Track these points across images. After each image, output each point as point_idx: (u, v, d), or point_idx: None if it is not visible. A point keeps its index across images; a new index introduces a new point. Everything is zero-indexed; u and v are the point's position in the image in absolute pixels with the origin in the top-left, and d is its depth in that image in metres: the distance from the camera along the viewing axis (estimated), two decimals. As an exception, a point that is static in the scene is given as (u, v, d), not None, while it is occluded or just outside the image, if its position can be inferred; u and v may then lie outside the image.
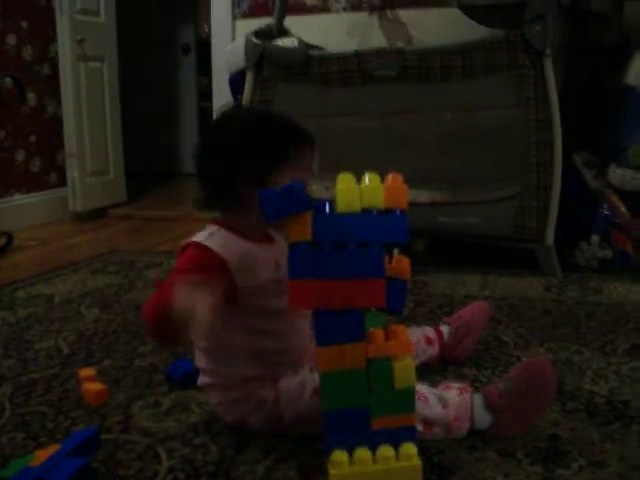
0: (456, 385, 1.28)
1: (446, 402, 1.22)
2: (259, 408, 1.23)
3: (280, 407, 1.22)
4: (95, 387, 1.42)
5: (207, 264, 1.15)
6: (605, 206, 2.46)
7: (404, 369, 1.06)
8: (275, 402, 1.22)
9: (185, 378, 1.46)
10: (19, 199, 3.57)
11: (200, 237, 1.19)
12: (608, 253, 2.44)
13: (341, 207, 1.04)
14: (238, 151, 1.19)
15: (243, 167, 1.18)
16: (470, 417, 1.22)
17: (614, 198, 2.46)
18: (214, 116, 3.29)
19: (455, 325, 1.58)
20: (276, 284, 1.20)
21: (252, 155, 1.18)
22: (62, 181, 3.85)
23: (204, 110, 5.83)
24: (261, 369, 1.24)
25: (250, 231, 1.23)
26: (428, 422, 1.20)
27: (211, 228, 1.22)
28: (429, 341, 1.53)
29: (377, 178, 1.07)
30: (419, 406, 1.16)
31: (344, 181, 1.05)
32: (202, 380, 1.29)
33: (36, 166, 3.70)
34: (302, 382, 1.21)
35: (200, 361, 1.29)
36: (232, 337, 1.22)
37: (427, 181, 2.52)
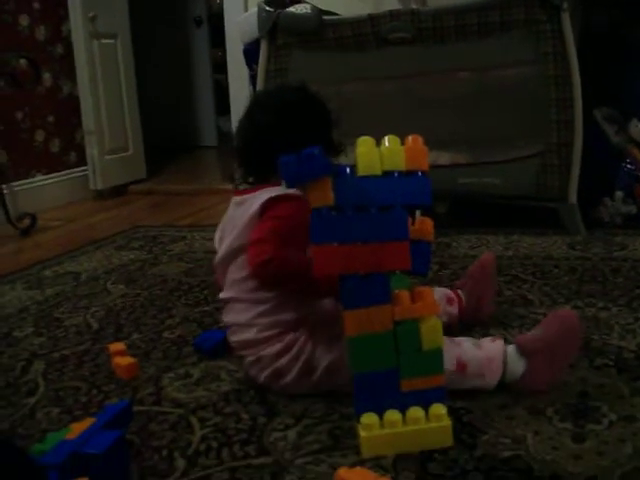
0: (488, 337, 1.29)
1: (479, 345, 1.24)
2: (297, 358, 1.25)
3: (315, 357, 1.24)
4: (125, 361, 1.43)
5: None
6: (628, 161, 2.43)
7: (431, 330, 1.06)
8: (312, 351, 1.24)
9: (214, 348, 1.47)
10: (40, 180, 3.59)
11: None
12: (632, 208, 2.42)
13: (362, 170, 1.04)
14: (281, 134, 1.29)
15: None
16: (503, 361, 1.22)
17: (636, 152, 2.42)
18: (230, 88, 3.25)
19: (469, 286, 1.56)
20: None
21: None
22: (82, 160, 3.86)
23: (219, 82, 5.81)
24: (303, 312, 1.28)
25: None
26: (461, 363, 1.21)
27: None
28: (450, 301, 1.53)
29: (397, 140, 1.06)
30: (452, 348, 1.18)
31: (364, 144, 1.05)
32: (240, 337, 1.30)
33: (55, 146, 3.72)
34: (338, 334, 1.21)
35: (241, 316, 1.30)
36: None
37: (447, 143, 2.50)
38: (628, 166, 2.43)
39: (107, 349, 1.52)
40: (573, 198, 2.33)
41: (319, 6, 2.67)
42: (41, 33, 3.60)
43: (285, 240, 1.21)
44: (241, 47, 2.92)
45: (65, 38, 3.74)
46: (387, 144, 1.06)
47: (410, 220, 1.07)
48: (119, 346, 1.51)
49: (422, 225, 1.10)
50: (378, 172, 1.04)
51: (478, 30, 2.35)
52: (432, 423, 1.07)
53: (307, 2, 2.74)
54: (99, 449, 1.00)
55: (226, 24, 3.70)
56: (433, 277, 1.94)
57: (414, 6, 2.84)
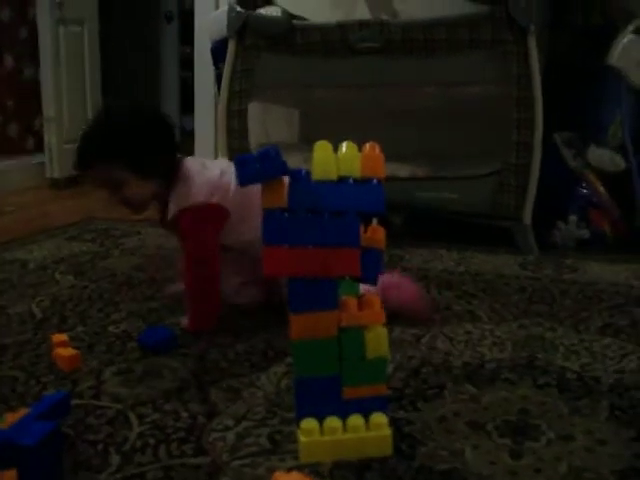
0: None
1: None
2: None
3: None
4: (67, 352, 1.41)
5: None
6: (583, 185, 2.47)
7: (376, 339, 1.06)
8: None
9: (157, 345, 1.45)
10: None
11: None
12: (585, 233, 2.46)
13: (317, 174, 1.03)
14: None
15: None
16: None
17: (593, 178, 2.47)
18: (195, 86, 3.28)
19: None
20: None
21: None
22: (40, 147, 3.80)
23: (185, 80, 5.76)
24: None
25: None
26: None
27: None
28: None
29: (354, 147, 1.06)
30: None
31: (321, 149, 1.04)
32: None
33: (13, 131, 3.65)
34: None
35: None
36: None
37: (408, 155, 2.52)
38: (583, 191, 2.47)
39: (50, 339, 1.49)
40: (528, 219, 2.36)
41: (290, 10, 2.66)
42: (6, 15, 3.54)
43: None
44: (209, 45, 2.90)
45: (31, 21, 3.68)
46: (344, 150, 1.05)
47: (362, 227, 1.07)
48: (62, 337, 1.48)
49: (374, 233, 1.09)
50: (333, 177, 1.04)
51: (447, 46, 2.36)
52: (372, 432, 1.06)
53: (278, 5, 2.74)
54: (31, 440, 0.97)
55: (196, 21, 3.68)
56: (385, 287, 1.94)
57: (384, 17, 2.85)
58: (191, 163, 1.62)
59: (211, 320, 1.59)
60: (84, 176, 1.58)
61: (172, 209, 1.57)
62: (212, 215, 1.57)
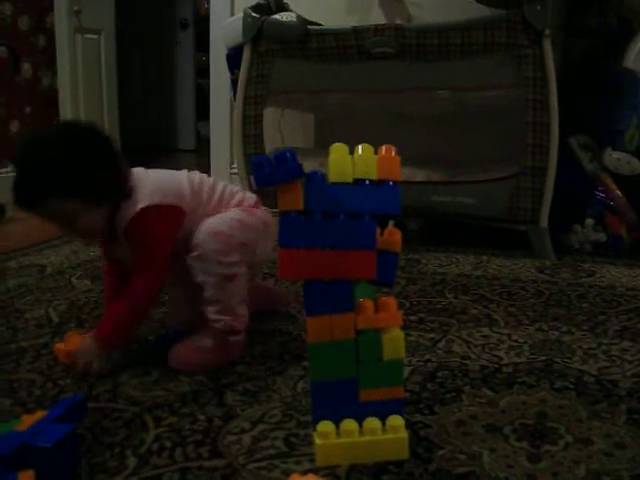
0: None
1: None
2: None
3: None
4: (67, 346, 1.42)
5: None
6: (600, 189, 2.46)
7: (393, 341, 1.06)
8: None
9: (169, 348, 1.45)
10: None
11: None
12: (602, 236, 2.44)
13: (333, 177, 1.03)
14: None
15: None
16: None
17: (609, 181, 2.45)
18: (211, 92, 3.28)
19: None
20: None
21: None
22: (57, 154, 3.82)
23: (201, 87, 5.80)
24: None
25: None
26: None
27: None
28: None
29: (370, 149, 1.06)
30: None
31: (337, 151, 1.04)
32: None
33: (31, 138, 3.67)
34: None
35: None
36: None
37: (423, 160, 2.52)
38: (600, 194, 2.46)
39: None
40: (544, 222, 2.35)
41: (305, 16, 2.67)
42: (24, 23, 3.56)
43: None
44: (225, 52, 2.91)
45: (48, 30, 3.71)
46: (360, 152, 1.05)
47: (378, 230, 1.07)
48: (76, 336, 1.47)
49: (390, 236, 1.09)
50: (349, 179, 1.04)
51: (461, 50, 2.36)
52: (389, 435, 1.06)
53: (292, 11, 2.75)
54: (48, 442, 0.98)
55: (211, 28, 3.69)
56: (401, 291, 1.94)
57: (399, 22, 2.86)
58: (137, 171, 1.48)
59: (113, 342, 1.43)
60: (28, 213, 1.37)
61: (122, 221, 1.40)
62: (165, 216, 1.42)
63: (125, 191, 1.40)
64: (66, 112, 3.76)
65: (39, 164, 1.33)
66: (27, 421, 1.05)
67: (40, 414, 1.08)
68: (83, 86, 3.82)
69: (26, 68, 3.60)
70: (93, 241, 1.54)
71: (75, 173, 1.32)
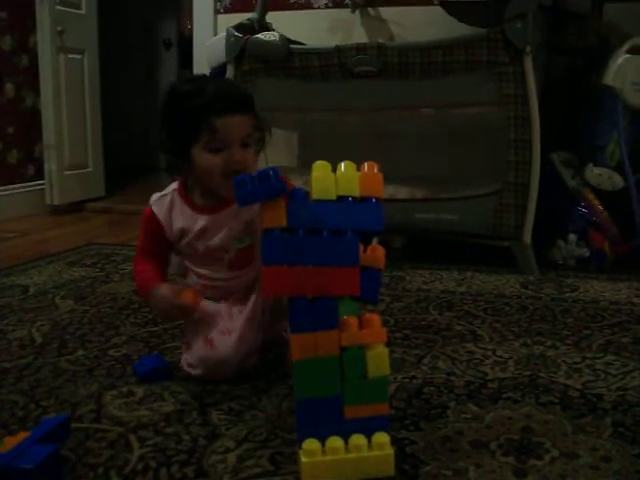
0: None
1: None
2: None
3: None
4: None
5: (151, 225, 1.47)
6: (582, 205, 2.48)
7: (377, 358, 1.06)
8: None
9: (150, 374, 1.44)
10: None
11: (154, 197, 1.49)
12: (585, 251, 2.46)
13: (316, 194, 1.04)
14: (163, 127, 1.42)
15: (168, 142, 1.42)
16: None
17: (591, 197, 2.47)
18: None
19: None
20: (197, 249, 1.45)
21: (170, 133, 1.42)
22: (39, 174, 3.81)
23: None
24: None
25: (198, 195, 1.46)
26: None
27: (169, 187, 1.49)
28: None
29: (353, 166, 1.07)
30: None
31: (320, 168, 1.05)
32: None
33: (13, 158, 3.66)
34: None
35: None
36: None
37: (406, 177, 2.53)
38: (582, 210, 2.48)
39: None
40: (528, 238, 2.36)
41: (288, 35, 2.69)
42: (7, 43, 3.56)
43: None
44: (208, 71, 2.92)
45: (31, 50, 3.71)
46: (343, 170, 1.06)
47: (362, 247, 1.07)
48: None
49: (373, 252, 1.09)
50: (332, 197, 1.04)
51: (443, 68, 2.38)
52: (374, 451, 1.06)
53: (275, 30, 2.76)
54: (31, 463, 0.97)
55: (195, 48, 3.71)
56: (385, 309, 1.94)
57: (381, 40, 2.88)
58: None
59: None
60: (244, 117, 1.37)
61: None
62: None
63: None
64: (49, 132, 3.75)
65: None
66: (9, 443, 1.04)
67: (22, 435, 1.07)
68: (66, 106, 3.81)
69: (9, 88, 3.60)
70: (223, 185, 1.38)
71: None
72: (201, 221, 1.43)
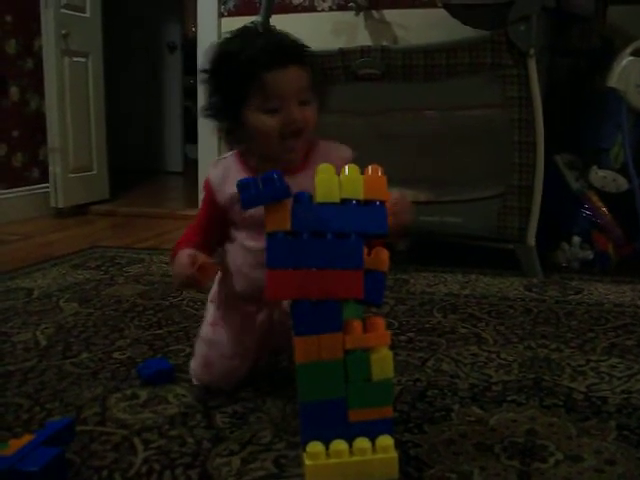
0: None
1: None
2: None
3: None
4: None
5: (206, 192, 1.36)
6: (586, 207, 2.48)
7: (382, 361, 1.06)
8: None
9: (154, 377, 1.44)
10: (0, 194, 3.54)
11: (212, 162, 1.39)
12: (589, 254, 2.46)
13: (320, 197, 1.04)
14: (213, 91, 1.30)
15: (219, 106, 1.29)
16: None
17: (595, 199, 2.47)
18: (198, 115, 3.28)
19: None
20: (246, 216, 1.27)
21: (220, 96, 1.29)
22: (44, 177, 3.83)
23: (189, 109, 5.81)
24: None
25: (258, 159, 1.32)
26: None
27: (227, 154, 1.38)
28: None
29: (357, 169, 1.07)
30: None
31: (324, 171, 1.05)
32: None
33: (18, 161, 3.67)
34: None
35: None
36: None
37: (410, 180, 2.52)
38: (586, 212, 2.47)
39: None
40: (532, 240, 2.36)
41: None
42: (12, 46, 3.57)
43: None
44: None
45: (36, 53, 3.72)
46: (347, 172, 1.06)
47: (366, 250, 1.07)
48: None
49: (377, 255, 1.09)
50: (336, 200, 1.05)
51: (447, 71, 2.38)
52: (378, 454, 1.06)
53: (280, 33, 2.76)
54: (35, 466, 0.97)
55: (199, 51, 3.71)
56: (389, 311, 1.94)
57: (385, 43, 2.88)
58: None
59: None
60: (296, 67, 1.23)
61: (330, 154, 1.29)
62: None
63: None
64: (53, 135, 3.76)
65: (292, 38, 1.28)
66: (14, 445, 1.04)
67: (27, 438, 1.07)
68: (71, 109, 3.82)
69: (14, 91, 3.61)
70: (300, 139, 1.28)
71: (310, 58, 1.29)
72: None
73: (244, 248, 1.33)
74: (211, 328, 1.41)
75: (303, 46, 1.28)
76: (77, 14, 3.87)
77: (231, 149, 1.38)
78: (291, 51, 1.24)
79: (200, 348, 1.42)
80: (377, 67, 2.45)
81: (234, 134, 1.33)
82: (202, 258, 1.23)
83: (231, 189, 1.25)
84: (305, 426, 1.07)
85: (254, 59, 1.21)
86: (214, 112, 1.31)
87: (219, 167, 1.35)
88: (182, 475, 1.08)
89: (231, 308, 1.40)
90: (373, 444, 1.06)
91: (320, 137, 1.35)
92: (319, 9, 3.46)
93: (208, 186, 1.35)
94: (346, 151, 1.33)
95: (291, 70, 1.22)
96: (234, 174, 1.29)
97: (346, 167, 1.07)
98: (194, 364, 1.42)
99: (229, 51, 1.27)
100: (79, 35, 3.85)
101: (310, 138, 1.31)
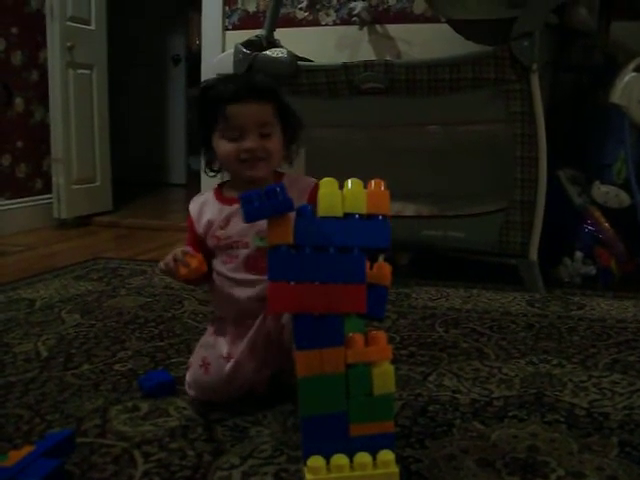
0: None
1: None
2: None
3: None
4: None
5: (188, 225, 1.50)
6: (588, 222, 2.48)
7: (383, 375, 1.06)
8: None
9: (155, 389, 1.44)
10: (3, 204, 3.55)
11: (193, 199, 1.54)
12: (591, 269, 2.45)
13: (323, 211, 1.04)
14: (196, 122, 1.48)
15: (198, 134, 1.47)
16: None
17: (598, 215, 2.47)
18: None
19: None
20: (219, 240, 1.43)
21: (197, 125, 1.47)
22: (47, 188, 3.83)
23: (192, 121, 5.82)
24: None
25: (230, 188, 1.48)
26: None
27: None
28: None
29: (360, 183, 1.07)
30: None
31: (327, 185, 1.05)
32: None
33: (22, 172, 3.68)
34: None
35: None
36: None
37: (413, 194, 2.53)
38: (589, 227, 2.47)
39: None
40: (534, 255, 2.36)
41: (295, 52, 2.70)
42: (17, 58, 3.59)
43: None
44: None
45: (41, 65, 3.74)
46: (350, 186, 1.06)
47: (368, 264, 1.07)
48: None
49: (380, 270, 1.09)
50: (339, 214, 1.05)
51: (450, 85, 2.38)
52: (379, 469, 1.05)
53: (283, 47, 2.78)
54: (35, 477, 0.97)
55: (203, 64, 3.73)
56: (391, 325, 1.94)
57: (388, 58, 2.89)
58: None
59: None
60: (251, 104, 1.37)
61: (298, 184, 1.43)
62: None
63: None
64: (57, 146, 3.77)
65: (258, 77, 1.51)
66: (14, 457, 1.04)
67: (27, 449, 1.07)
68: (75, 120, 3.84)
69: (18, 102, 3.62)
70: (264, 166, 1.42)
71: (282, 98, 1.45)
72: (226, 210, 1.43)
73: (220, 274, 1.44)
74: (210, 337, 1.47)
75: (271, 86, 1.44)
76: (82, 27, 3.89)
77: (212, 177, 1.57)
78: (254, 89, 1.40)
79: (198, 353, 1.44)
80: (380, 81, 2.45)
81: (212, 164, 1.51)
82: (193, 252, 1.36)
83: (207, 217, 1.45)
84: (306, 440, 1.06)
85: (221, 94, 1.39)
86: (200, 140, 1.48)
87: (197, 202, 1.50)
88: (182, 488, 1.08)
89: (226, 325, 1.47)
90: (374, 459, 1.06)
91: (286, 172, 1.50)
92: (323, 23, 3.47)
93: (189, 219, 1.50)
94: (310, 182, 1.45)
95: (251, 105, 1.38)
96: (210, 206, 1.47)
97: (349, 181, 1.07)
98: (190, 372, 1.42)
99: (207, 87, 1.44)
100: (84, 47, 3.87)
101: (276, 168, 1.47)
